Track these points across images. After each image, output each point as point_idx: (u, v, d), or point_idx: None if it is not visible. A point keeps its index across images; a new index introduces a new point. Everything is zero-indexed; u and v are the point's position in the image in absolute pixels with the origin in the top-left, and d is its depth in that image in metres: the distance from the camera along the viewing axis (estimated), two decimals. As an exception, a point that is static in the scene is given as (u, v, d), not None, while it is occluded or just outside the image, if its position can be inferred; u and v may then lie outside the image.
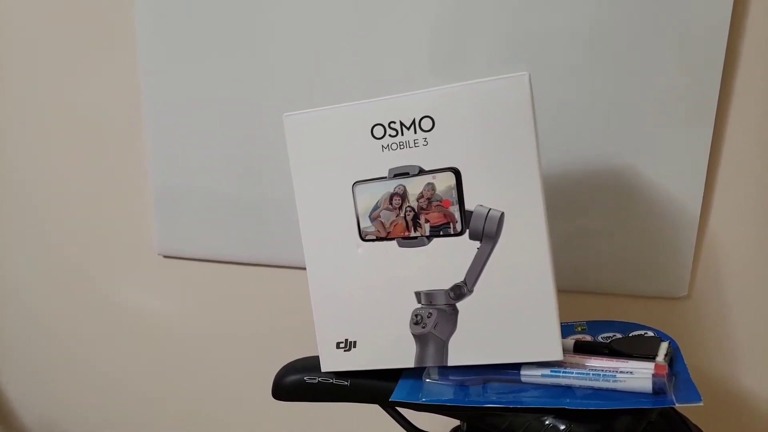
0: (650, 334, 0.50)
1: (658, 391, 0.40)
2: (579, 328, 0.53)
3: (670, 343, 0.46)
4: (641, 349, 0.45)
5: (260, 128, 0.69)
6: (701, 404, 0.39)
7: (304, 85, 0.66)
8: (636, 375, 0.41)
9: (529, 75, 0.41)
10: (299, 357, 0.53)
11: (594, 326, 0.53)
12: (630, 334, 0.50)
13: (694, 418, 0.50)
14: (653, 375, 0.41)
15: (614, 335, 0.50)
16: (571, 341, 0.48)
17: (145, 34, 0.72)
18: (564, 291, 0.60)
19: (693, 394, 0.40)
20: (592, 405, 0.40)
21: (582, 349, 0.47)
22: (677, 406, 0.39)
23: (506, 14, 0.57)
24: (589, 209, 0.59)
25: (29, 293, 0.92)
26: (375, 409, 0.52)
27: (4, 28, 0.81)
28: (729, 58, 0.53)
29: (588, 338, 0.50)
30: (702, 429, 0.50)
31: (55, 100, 0.81)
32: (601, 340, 0.50)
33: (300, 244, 0.69)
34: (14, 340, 0.97)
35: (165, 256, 0.79)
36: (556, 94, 0.57)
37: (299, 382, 0.49)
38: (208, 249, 0.75)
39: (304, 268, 0.67)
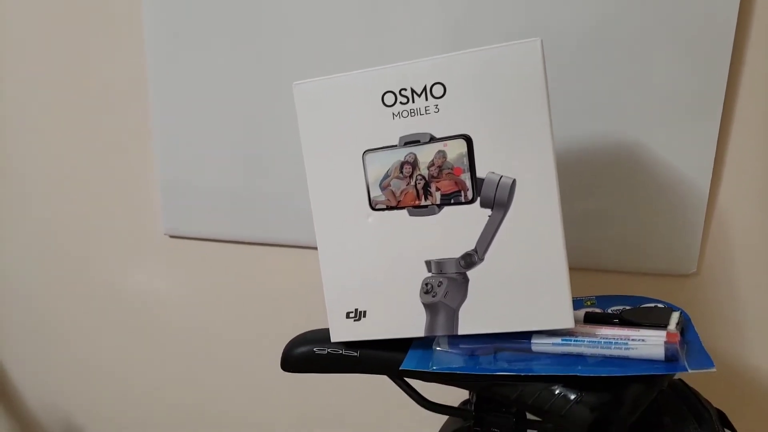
0: (660, 305, 0.50)
1: (670, 357, 0.40)
2: (588, 303, 0.53)
3: (681, 313, 0.45)
4: (652, 319, 0.45)
5: (264, 109, 0.69)
6: (714, 370, 0.38)
7: (308, 74, 0.66)
8: (648, 342, 0.41)
9: (542, 41, 0.40)
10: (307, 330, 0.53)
11: (603, 300, 0.53)
12: (640, 306, 0.50)
13: (704, 391, 0.50)
14: (665, 342, 0.41)
15: (624, 307, 0.50)
16: (581, 312, 0.48)
17: (152, 28, 0.72)
18: (574, 269, 0.60)
19: (705, 360, 0.40)
20: (605, 372, 0.40)
21: (592, 319, 0.47)
22: (690, 372, 0.39)
23: (520, 5, 0.57)
24: (599, 188, 0.59)
25: (36, 276, 0.92)
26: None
27: (12, 23, 0.81)
28: (738, 40, 0.53)
29: (598, 311, 0.50)
30: (711, 402, 0.49)
31: (63, 88, 0.81)
32: (611, 312, 0.50)
33: (305, 223, 0.69)
34: (21, 324, 0.97)
35: (171, 236, 0.79)
36: (568, 76, 0.57)
37: (309, 353, 0.49)
38: (214, 228, 0.75)
39: (309, 247, 0.66)
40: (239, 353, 0.83)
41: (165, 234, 0.79)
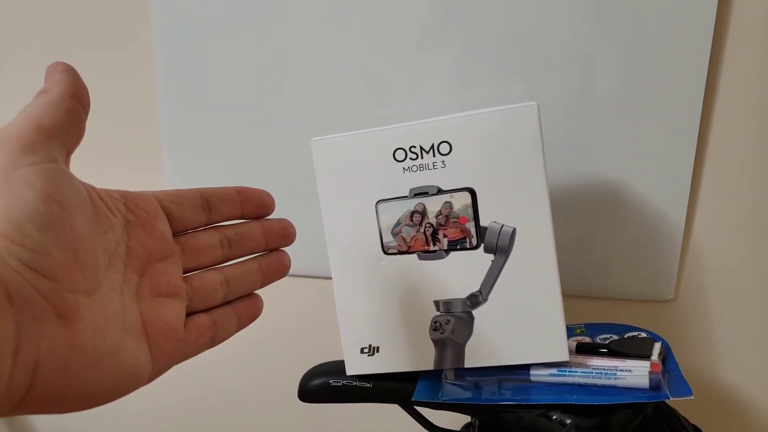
0: (643, 335, 0.55)
1: (654, 386, 0.45)
2: (578, 331, 0.58)
3: (662, 344, 0.51)
4: (637, 349, 0.50)
5: (277, 135, 0.73)
6: (692, 397, 0.44)
7: (318, 108, 0.70)
8: (634, 373, 0.46)
9: (538, 105, 0.45)
10: (316, 362, 0.57)
11: (591, 328, 0.58)
12: (625, 336, 0.55)
13: (682, 411, 0.56)
14: (649, 372, 0.46)
15: (611, 336, 0.55)
16: (573, 343, 0.53)
17: (163, 58, 0.75)
18: (564, 295, 0.65)
19: (684, 389, 0.45)
20: (596, 400, 0.45)
21: (584, 350, 0.52)
22: (671, 399, 0.44)
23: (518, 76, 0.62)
24: (583, 220, 0.64)
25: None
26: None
27: (27, 50, 0.83)
28: (709, 86, 0.59)
29: (587, 340, 0.55)
30: (688, 419, 0.55)
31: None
32: (599, 341, 0.55)
33: (319, 254, 0.73)
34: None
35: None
36: (561, 125, 0.62)
37: (325, 385, 0.53)
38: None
39: (325, 278, 0.70)
40: (251, 380, 0.86)
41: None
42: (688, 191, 0.60)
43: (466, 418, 0.60)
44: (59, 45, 0.81)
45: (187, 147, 0.76)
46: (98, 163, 0.83)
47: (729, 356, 0.65)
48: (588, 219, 0.64)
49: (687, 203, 0.61)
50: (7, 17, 0.83)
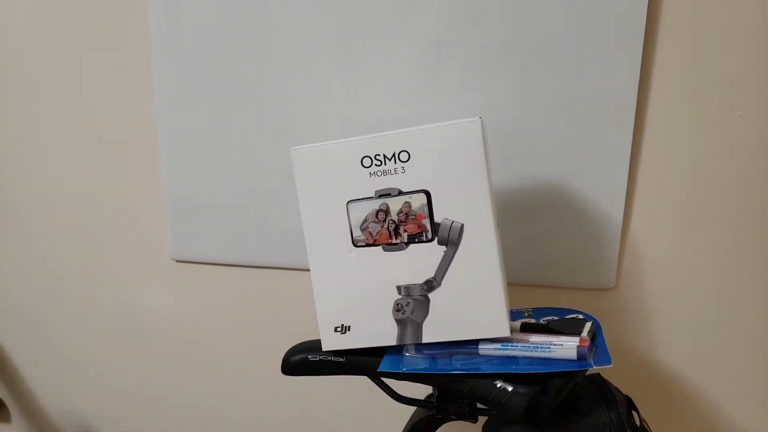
0: (580, 316, 0.63)
1: (581, 357, 0.53)
2: (526, 314, 0.66)
3: (593, 323, 0.59)
4: (570, 328, 0.58)
5: (265, 142, 0.80)
6: (611, 366, 0.52)
7: (301, 113, 0.78)
8: (565, 346, 0.54)
9: (481, 119, 0.53)
10: (298, 341, 0.65)
11: (538, 312, 0.66)
12: (565, 317, 0.63)
13: (618, 384, 0.64)
14: (578, 346, 0.54)
15: (552, 318, 0.63)
16: (518, 323, 0.61)
17: (161, 59, 0.82)
18: (517, 285, 0.73)
19: (606, 359, 0.53)
20: (533, 369, 0.53)
21: (527, 328, 0.60)
22: (595, 368, 0.53)
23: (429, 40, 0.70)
24: (535, 218, 0.72)
25: (49, 299, 1.01)
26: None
27: (33, 60, 0.90)
28: (639, 114, 0.67)
29: (532, 321, 0.63)
30: (620, 389, 0.63)
31: (74, 116, 0.90)
32: (543, 322, 0.63)
33: (300, 249, 0.81)
34: (37, 344, 1.06)
35: (178, 261, 0.90)
36: (511, 132, 0.70)
37: (304, 360, 0.61)
38: (218, 253, 0.86)
39: (305, 270, 0.78)
40: (242, 361, 0.94)
41: (172, 259, 0.89)
42: (625, 189, 0.69)
43: (429, 390, 0.68)
44: (60, 50, 0.88)
45: (185, 151, 0.84)
46: (100, 168, 0.91)
47: (661, 336, 0.73)
48: (539, 217, 0.72)
49: (624, 200, 0.69)
50: (7, 20, 0.90)
